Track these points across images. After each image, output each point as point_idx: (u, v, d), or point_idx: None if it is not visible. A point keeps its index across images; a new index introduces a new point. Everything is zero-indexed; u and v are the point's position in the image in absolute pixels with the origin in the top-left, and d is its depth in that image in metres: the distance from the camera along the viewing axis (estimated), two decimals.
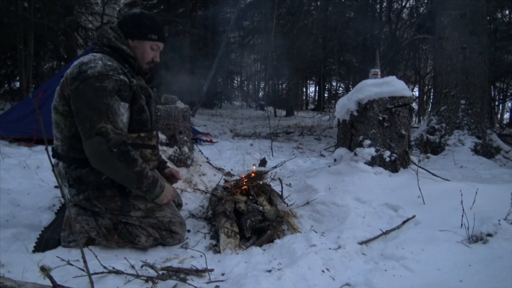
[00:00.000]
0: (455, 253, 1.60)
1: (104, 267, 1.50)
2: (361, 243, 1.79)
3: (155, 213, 1.87)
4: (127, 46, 1.85)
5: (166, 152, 3.00)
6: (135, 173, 1.69)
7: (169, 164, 2.47)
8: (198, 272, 1.55)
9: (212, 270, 1.57)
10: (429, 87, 9.99)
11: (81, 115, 1.64)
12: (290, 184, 3.08)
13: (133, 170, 1.68)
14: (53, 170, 1.06)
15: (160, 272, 1.55)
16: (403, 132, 2.71)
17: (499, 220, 1.74)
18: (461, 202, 1.81)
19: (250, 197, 2.26)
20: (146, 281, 1.48)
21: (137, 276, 1.49)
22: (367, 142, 2.72)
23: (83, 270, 1.37)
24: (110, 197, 1.80)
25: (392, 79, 2.81)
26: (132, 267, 1.60)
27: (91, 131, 1.61)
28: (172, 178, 2.36)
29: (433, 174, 2.76)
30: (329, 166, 2.93)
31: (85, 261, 1.12)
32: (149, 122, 1.93)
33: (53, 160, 1.86)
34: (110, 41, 1.82)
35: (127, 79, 1.76)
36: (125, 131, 1.70)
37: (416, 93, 10.80)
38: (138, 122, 1.85)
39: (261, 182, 2.46)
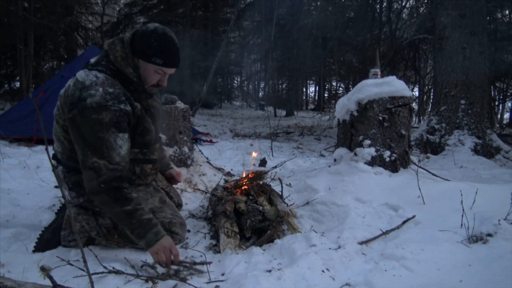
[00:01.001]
0: (455, 253, 1.60)
1: (104, 267, 1.51)
2: (361, 243, 1.79)
3: (156, 214, 1.86)
4: (133, 67, 1.70)
5: (166, 152, 3.00)
6: (124, 212, 1.55)
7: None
8: (196, 266, 1.58)
9: (210, 262, 1.59)
10: (429, 87, 9.99)
11: (77, 146, 1.60)
12: (290, 184, 3.08)
13: (122, 208, 1.55)
14: (53, 171, 1.07)
15: (160, 272, 1.55)
16: (403, 132, 2.71)
17: (499, 220, 1.74)
18: (461, 202, 1.81)
19: (250, 197, 2.26)
20: (146, 281, 1.48)
21: (137, 276, 1.49)
22: (367, 142, 2.72)
23: (83, 270, 1.37)
24: None
25: (392, 79, 2.81)
26: (132, 267, 1.60)
27: (84, 164, 1.57)
28: (172, 179, 2.36)
29: (433, 174, 2.76)
30: (329, 166, 2.93)
31: (85, 261, 1.12)
32: (153, 140, 1.88)
33: (53, 161, 1.86)
34: (116, 60, 1.69)
35: (130, 105, 1.67)
36: (122, 165, 1.61)
37: (416, 93, 10.80)
38: (141, 143, 1.81)
39: (261, 182, 2.46)
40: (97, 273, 1.45)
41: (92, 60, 1.77)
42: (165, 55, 1.69)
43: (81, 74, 1.68)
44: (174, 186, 2.44)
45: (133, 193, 1.61)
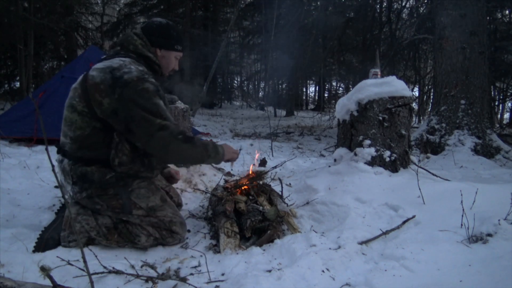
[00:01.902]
0: (455, 253, 1.60)
1: (104, 267, 1.51)
2: (361, 243, 1.79)
3: (156, 212, 1.87)
4: (153, 54, 1.94)
5: None
6: (199, 147, 1.80)
7: (170, 164, 2.47)
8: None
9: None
10: (429, 87, 9.99)
11: (137, 118, 1.68)
12: (290, 184, 3.08)
13: (197, 145, 1.79)
14: (53, 170, 1.07)
15: (160, 272, 1.55)
16: (403, 132, 2.71)
17: (499, 220, 1.74)
18: (461, 202, 1.81)
19: (250, 197, 2.25)
20: (146, 281, 1.48)
21: (137, 276, 1.49)
22: (367, 142, 2.72)
23: (83, 270, 1.37)
24: (112, 195, 1.80)
25: (392, 79, 2.81)
26: (132, 267, 1.60)
27: (152, 129, 1.68)
28: (171, 178, 2.36)
29: (433, 174, 2.76)
30: (329, 166, 2.93)
31: (85, 261, 1.12)
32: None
33: (57, 156, 1.87)
34: (137, 48, 1.89)
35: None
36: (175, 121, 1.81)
37: (416, 93, 10.81)
38: None
39: (261, 182, 2.46)
40: (97, 273, 1.45)
41: (104, 57, 1.89)
42: (182, 43, 2.05)
43: (99, 64, 1.78)
44: (174, 186, 2.44)
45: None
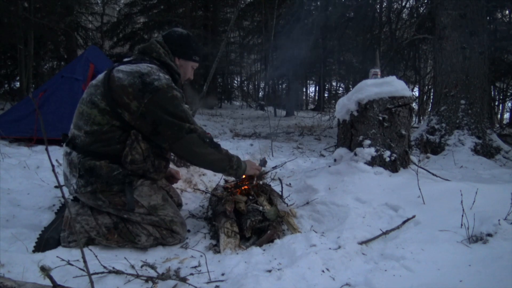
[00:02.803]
0: (455, 253, 1.60)
1: (104, 267, 1.51)
2: (361, 243, 1.79)
3: (158, 211, 1.87)
4: (173, 63, 2.04)
5: None
6: (225, 154, 1.94)
7: (170, 164, 2.47)
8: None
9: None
10: (429, 87, 9.99)
11: (165, 122, 1.79)
12: (290, 184, 3.08)
13: (222, 153, 1.93)
14: (53, 170, 1.07)
15: (160, 272, 1.55)
16: (403, 132, 2.71)
17: (499, 220, 1.74)
18: (461, 202, 1.81)
19: (250, 197, 2.25)
20: (146, 281, 1.48)
21: (137, 276, 1.49)
22: (367, 142, 2.72)
23: (83, 270, 1.37)
24: (116, 192, 1.81)
25: (392, 79, 2.81)
26: (132, 267, 1.60)
27: (180, 132, 1.80)
28: (171, 178, 2.37)
29: (433, 174, 2.76)
30: (329, 166, 2.93)
31: (85, 261, 1.12)
32: None
33: (65, 148, 1.89)
34: (160, 56, 1.98)
35: None
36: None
37: (416, 93, 10.81)
38: None
39: (261, 182, 2.46)
40: (97, 273, 1.45)
41: (127, 59, 1.97)
42: (200, 53, 2.15)
43: (126, 67, 1.84)
44: (174, 186, 2.44)
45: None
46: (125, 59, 1.96)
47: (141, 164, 1.84)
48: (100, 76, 1.90)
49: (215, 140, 1.95)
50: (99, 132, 1.80)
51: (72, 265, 1.41)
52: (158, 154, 1.95)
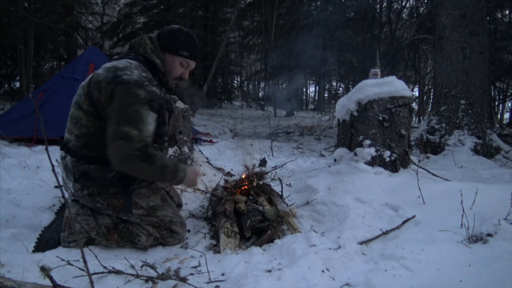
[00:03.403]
0: (455, 253, 1.60)
1: (104, 267, 1.51)
2: (361, 243, 1.79)
3: (157, 211, 1.87)
4: (160, 60, 1.90)
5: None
6: (157, 167, 1.70)
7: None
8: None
9: None
10: (429, 87, 9.99)
11: (111, 118, 1.67)
12: (290, 184, 3.08)
13: (155, 165, 1.69)
14: (53, 170, 1.07)
15: (160, 272, 1.55)
16: (403, 132, 2.71)
17: (499, 220, 1.74)
18: (461, 202, 1.81)
19: (250, 197, 2.25)
20: (146, 281, 1.48)
21: (137, 276, 1.49)
22: (367, 142, 2.72)
23: (83, 270, 1.37)
24: (113, 194, 1.81)
25: (392, 79, 2.81)
26: (132, 267, 1.60)
27: (116, 134, 1.63)
28: None
29: (433, 174, 2.76)
30: (329, 166, 2.93)
31: (85, 261, 1.12)
32: (165, 133, 1.98)
33: (60, 152, 1.87)
34: (146, 52, 1.87)
35: (158, 91, 1.80)
36: (149, 140, 1.71)
37: (416, 93, 10.81)
38: (157, 134, 1.87)
39: (261, 182, 2.46)
40: (97, 273, 1.45)
41: (116, 57, 1.90)
42: (190, 49, 1.93)
43: (108, 63, 1.79)
44: (174, 186, 2.44)
45: (157, 151, 1.77)
46: (115, 57, 1.93)
47: None
48: (89, 76, 1.87)
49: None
50: (87, 135, 1.77)
51: (72, 265, 1.41)
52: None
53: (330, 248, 1.70)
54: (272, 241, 1.87)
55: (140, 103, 1.68)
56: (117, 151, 1.63)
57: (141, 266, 1.62)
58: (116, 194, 1.81)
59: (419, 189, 2.22)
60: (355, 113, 2.76)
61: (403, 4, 8.90)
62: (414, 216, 1.99)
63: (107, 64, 1.79)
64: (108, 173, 1.78)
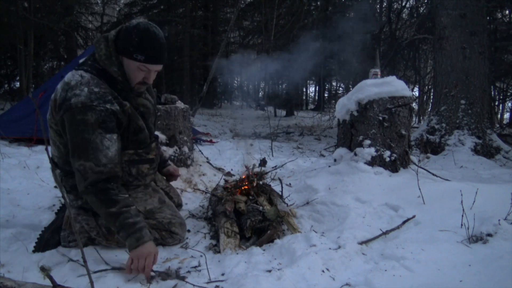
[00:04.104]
0: (455, 253, 1.60)
1: (107, 263, 1.51)
2: (361, 243, 1.79)
3: (155, 214, 1.86)
4: (117, 66, 1.66)
5: (166, 152, 2.99)
6: (109, 213, 1.54)
7: (169, 163, 2.47)
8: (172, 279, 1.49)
9: (184, 277, 1.52)
10: (429, 87, 10.00)
11: (69, 146, 1.60)
12: (290, 184, 3.08)
13: (107, 210, 1.54)
14: (52, 171, 1.07)
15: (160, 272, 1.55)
16: (403, 132, 2.71)
17: (499, 220, 1.74)
18: (461, 202, 1.81)
19: (250, 197, 2.25)
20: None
21: (137, 275, 1.49)
22: (367, 142, 2.72)
23: (84, 270, 1.38)
24: None
25: (392, 79, 2.81)
26: None
27: (73, 166, 1.59)
28: (170, 177, 2.36)
29: (433, 174, 2.76)
30: (329, 166, 2.93)
31: (85, 261, 1.12)
32: (148, 138, 1.87)
33: (51, 163, 1.85)
34: (100, 59, 1.66)
35: (119, 104, 1.64)
36: (109, 166, 1.58)
37: (416, 93, 10.81)
38: (135, 142, 1.79)
39: (261, 182, 2.46)
40: (97, 271, 1.46)
41: (81, 61, 1.76)
42: (147, 51, 1.61)
43: (68, 75, 1.67)
44: (174, 186, 2.44)
45: (121, 194, 1.59)
46: (79, 61, 1.77)
47: None
48: None
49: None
50: (62, 154, 1.73)
51: (73, 261, 1.41)
52: (134, 161, 1.81)
53: (330, 248, 1.70)
54: (272, 241, 1.87)
55: (90, 129, 1.54)
56: (77, 182, 1.59)
57: None
58: None
59: (419, 189, 2.22)
60: (355, 113, 2.76)
61: (403, 4, 8.91)
62: (414, 216, 1.99)
63: (66, 77, 1.66)
64: None
